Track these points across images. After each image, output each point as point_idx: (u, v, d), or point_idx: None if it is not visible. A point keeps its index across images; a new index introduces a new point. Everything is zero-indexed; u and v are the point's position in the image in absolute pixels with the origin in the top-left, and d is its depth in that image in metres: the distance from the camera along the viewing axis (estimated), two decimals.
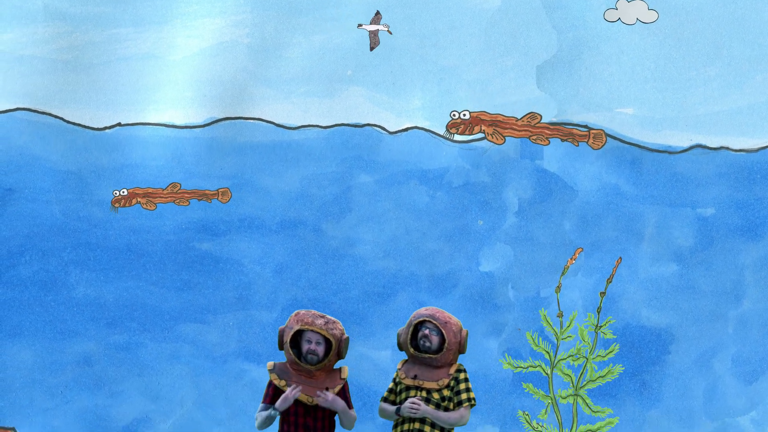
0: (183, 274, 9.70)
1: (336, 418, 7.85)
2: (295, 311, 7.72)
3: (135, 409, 9.69)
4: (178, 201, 9.67)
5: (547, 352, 9.62)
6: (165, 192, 9.64)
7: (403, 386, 7.88)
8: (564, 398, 9.63)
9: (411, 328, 7.86)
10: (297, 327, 7.62)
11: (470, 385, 7.83)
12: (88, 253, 9.71)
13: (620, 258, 9.59)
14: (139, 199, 9.63)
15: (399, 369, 7.95)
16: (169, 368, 9.70)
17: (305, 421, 7.63)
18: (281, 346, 7.73)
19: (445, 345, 7.78)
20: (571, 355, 9.61)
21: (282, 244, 9.68)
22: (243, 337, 9.67)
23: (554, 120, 9.65)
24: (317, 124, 9.72)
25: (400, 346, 8.00)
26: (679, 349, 9.58)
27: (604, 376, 9.60)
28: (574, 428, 9.61)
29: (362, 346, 9.62)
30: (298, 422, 7.61)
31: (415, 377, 7.86)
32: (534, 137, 9.65)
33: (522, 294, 9.59)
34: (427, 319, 7.85)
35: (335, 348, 7.69)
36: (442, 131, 9.66)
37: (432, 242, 9.66)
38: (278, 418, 7.66)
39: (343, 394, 7.84)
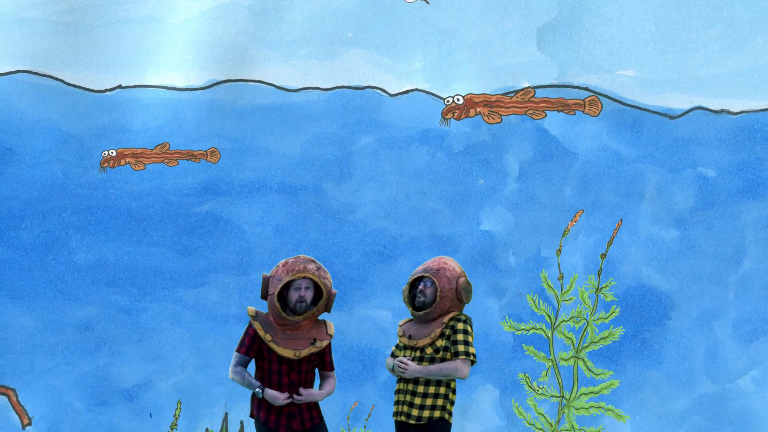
0: (184, 236, 9.70)
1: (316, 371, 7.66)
2: (282, 261, 7.51)
3: (136, 371, 9.69)
4: (166, 161, 9.65)
5: (548, 315, 9.62)
6: (153, 152, 9.62)
7: (400, 345, 7.82)
8: (565, 360, 9.63)
9: (409, 287, 7.80)
10: (288, 278, 7.37)
11: (470, 339, 7.64)
12: (89, 216, 9.71)
13: (621, 220, 9.59)
14: (128, 160, 9.62)
15: (400, 326, 7.90)
16: (169, 330, 9.70)
17: (290, 379, 7.43)
18: (265, 296, 7.50)
19: (438, 293, 7.66)
20: (572, 318, 9.61)
21: (282, 206, 9.68)
22: (243, 299, 9.67)
23: (554, 82, 9.65)
24: (318, 86, 9.72)
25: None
26: (680, 311, 9.58)
27: (605, 338, 9.60)
28: (574, 390, 9.61)
29: (363, 307, 9.62)
30: (282, 381, 7.42)
31: (410, 337, 7.78)
32: (530, 112, 9.64)
33: (523, 256, 9.59)
34: (421, 275, 7.77)
35: (325, 298, 7.47)
36: (442, 93, 9.65)
37: (433, 204, 9.66)
38: (262, 376, 7.43)
39: (329, 352, 7.66)
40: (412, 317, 7.84)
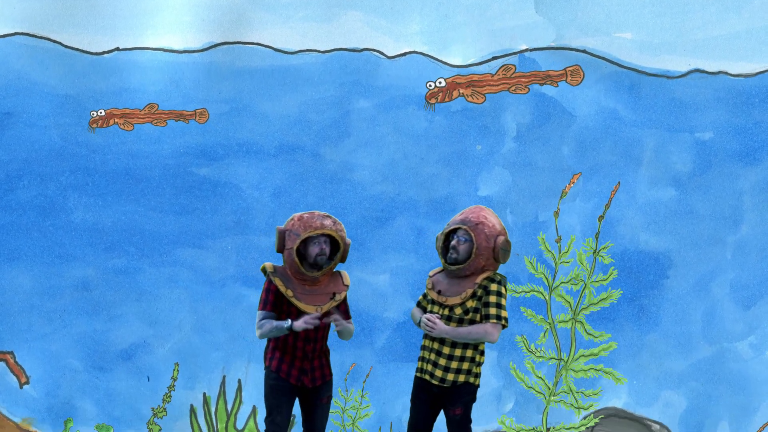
0: (181, 198, 9.69)
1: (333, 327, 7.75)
2: (297, 215, 7.54)
3: (133, 334, 9.69)
4: (155, 121, 9.64)
5: (546, 277, 9.61)
6: (142, 113, 9.61)
7: (429, 298, 7.61)
8: (562, 323, 9.62)
9: (443, 237, 7.53)
10: (306, 234, 7.42)
11: (503, 302, 7.40)
12: (86, 178, 9.70)
13: (618, 183, 9.58)
14: (116, 120, 9.61)
15: (430, 277, 7.67)
16: (167, 293, 9.69)
17: (307, 333, 7.49)
18: (280, 249, 7.54)
19: (474, 249, 7.41)
20: (570, 280, 9.61)
21: (280, 169, 9.67)
22: (241, 261, 9.66)
23: (552, 44, 9.64)
24: (315, 48, 9.71)
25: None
26: (678, 274, 9.57)
27: (603, 300, 9.59)
28: (572, 353, 9.61)
29: (360, 270, 9.61)
30: (298, 334, 7.46)
31: (439, 292, 7.53)
32: (512, 88, 9.61)
33: (520, 219, 9.58)
34: (458, 226, 7.49)
35: (342, 251, 7.56)
36: (440, 56, 9.64)
37: (430, 167, 9.65)
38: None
39: (345, 302, 7.76)
40: (443, 267, 7.59)
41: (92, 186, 9.70)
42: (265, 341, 7.72)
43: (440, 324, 7.39)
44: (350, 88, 9.66)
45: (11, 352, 9.66)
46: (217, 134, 9.69)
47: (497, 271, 7.50)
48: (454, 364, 7.42)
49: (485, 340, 7.38)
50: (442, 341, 7.43)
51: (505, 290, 7.45)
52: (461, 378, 7.44)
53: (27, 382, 9.66)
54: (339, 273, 7.73)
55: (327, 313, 7.55)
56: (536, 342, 9.63)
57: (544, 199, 9.61)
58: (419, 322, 7.53)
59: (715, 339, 9.57)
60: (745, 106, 9.54)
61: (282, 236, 7.50)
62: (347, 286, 7.68)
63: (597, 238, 9.59)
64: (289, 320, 7.40)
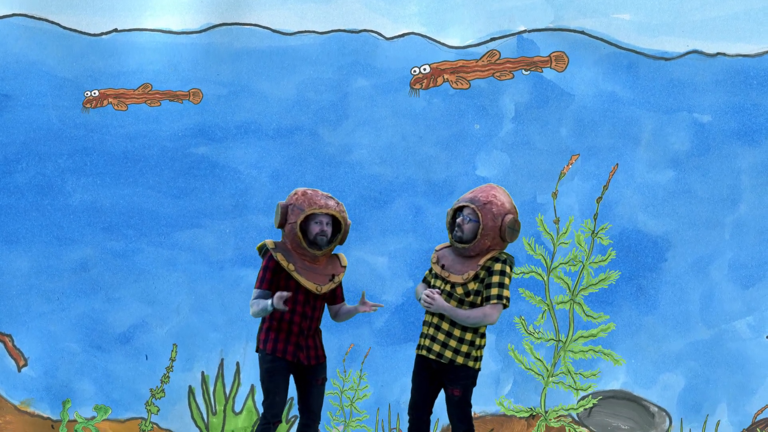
0: (180, 180, 9.69)
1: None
2: (300, 190, 7.53)
3: (131, 315, 9.70)
4: (149, 102, 9.63)
5: (544, 258, 9.61)
6: (136, 93, 9.61)
7: (433, 272, 7.55)
8: (560, 304, 9.63)
9: (452, 212, 7.46)
10: (309, 210, 7.41)
11: (506, 281, 7.28)
12: (84, 159, 9.70)
13: (617, 164, 9.58)
14: (110, 100, 9.60)
15: (436, 251, 7.61)
16: (165, 274, 9.69)
17: (304, 310, 7.50)
18: (281, 225, 7.53)
19: (480, 230, 7.31)
20: (568, 261, 9.61)
21: (278, 150, 9.67)
22: (239, 242, 9.66)
23: (550, 26, 9.63)
24: (314, 30, 9.71)
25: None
26: (676, 255, 9.57)
27: (601, 281, 9.60)
28: (570, 334, 9.61)
29: (359, 251, 9.61)
30: (296, 310, 7.47)
31: (443, 266, 7.46)
32: (498, 74, 9.61)
33: (518, 200, 9.55)
34: (466, 204, 7.42)
35: (343, 232, 7.57)
36: (438, 37, 9.64)
37: (428, 148, 9.65)
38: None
39: (340, 284, 7.77)
40: (450, 243, 7.51)
41: (90, 167, 9.70)
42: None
43: (439, 299, 7.34)
44: (348, 70, 9.66)
45: (9, 335, 9.66)
46: (215, 115, 9.68)
47: (504, 251, 7.42)
48: (452, 343, 7.36)
49: (484, 323, 7.30)
50: (441, 317, 7.38)
51: (510, 270, 7.36)
52: (459, 359, 7.38)
53: (25, 365, 9.66)
54: (337, 255, 7.74)
55: (333, 297, 7.62)
56: (534, 323, 9.63)
57: (543, 180, 9.61)
58: (420, 297, 7.50)
59: (713, 320, 9.57)
60: (744, 86, 9.54)
61: (285, 211, 7.48)
62: (345, 267, 7.71)
63: (595, 219, 9.59)
64: (269, 300, 7.37)
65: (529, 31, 9.59)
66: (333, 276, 7.59)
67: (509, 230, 7.33)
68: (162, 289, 9.69)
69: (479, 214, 7.29)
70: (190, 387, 9.66)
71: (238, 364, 9.62)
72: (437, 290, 7.38)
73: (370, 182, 9.66)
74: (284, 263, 7.43)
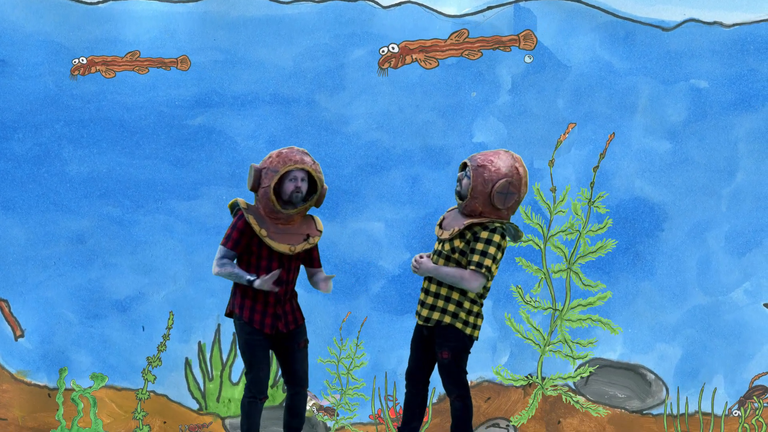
0: (176, 148, 9.69)
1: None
2: (275, 152, 7.41)
3: (128, 283, 9.69)
4: (137, 69, 9.62)
5: (540, 227, 9.61)
6: (124, 60, 9.59)
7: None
8: (557, 273, 9.62)
9: (459, 169, 7.45)
10: (285, 168, 7.27)
11: (491, 251, 7.15)
12: (81, 128, 9.70)
13: (613, 133, 9.58)
14: (98, 67, 9.59)
15: (446, 211, 7.59)
16: (162, 242, 9.69)
17: (278, 276, 7.38)
18: (255, 188, 7.36)
19: (469, 191, 7.25)
20: (564, 230, 9.61)
21: (275, 119, 9.66)
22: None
23: None
24: None
25: None
26: (672, 223, 9.57)
27: (597, 250, 9.59)
28: (567, 302, 9.61)
29: (356, 219, 9.61)
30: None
31: (440, 225, 7.46)
32: (466, 53, 9.60)
33: None
34: (466, 161, 7.40)
35: (318, 193, 7.44)
36: (435, 6, 9.62)
37: (425, 116, 9.65)
38: (247, 271, 7.34)
39: (317, 248, 7.63)
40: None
41: (87, 136, 9.69)
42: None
43: (425, 262, 7.30)
44: (345, 39, 9.65)
45: (6, 301, 9.66)
46: (211, 84, 9.68)
47: (499, 220, 7.30)
48: (439, 303, 7.31)
49: (461, 286, 7.21)
50: (430, 279, 7.36)
51: (502, 240, 7.24)
52: (446, 319, 7.30)
53: (22, 335, 9.66)
54: (312, 217, 7.60)
55: (291, 266, 7.47)
56: (531, 292, 9.63)
57: (539, 148, 9.61)
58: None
59: (710, 288, 9.57)
60: (740, 55, 9.54)
61: (258, 174, 7.33)
62: (320, 231, 7.57)
63: (592, 188, 9.59)
64: (254, 276, 7.29)
65: (526, 0, 9.58)
66: (308, 236, 7.45)
67: (499, 195, 7.21)
68: (159, 257, 9.69)
69: (472, 174, 7.26)
70: (186, 359, 9.65)
71: (234, 335, 9.60)
72: (426, 255, 7.37)
73: (366, 151, 9.66)
74: (256, 228, 7.29)
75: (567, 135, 9.58)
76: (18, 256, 9.68)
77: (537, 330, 9.60)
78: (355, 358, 9.61)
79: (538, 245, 9.61)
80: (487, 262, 7.15)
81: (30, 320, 9.66)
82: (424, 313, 7.39)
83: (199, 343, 9.66)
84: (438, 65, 9.58)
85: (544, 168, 9.60)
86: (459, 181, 7.38)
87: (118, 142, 9.68)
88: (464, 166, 7.42)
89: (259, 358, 7.45)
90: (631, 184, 9.59)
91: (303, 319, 7.65)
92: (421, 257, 7.39)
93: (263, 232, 7.30)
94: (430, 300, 7.36)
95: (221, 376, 9.64)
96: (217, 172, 9.67)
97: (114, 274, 9.68)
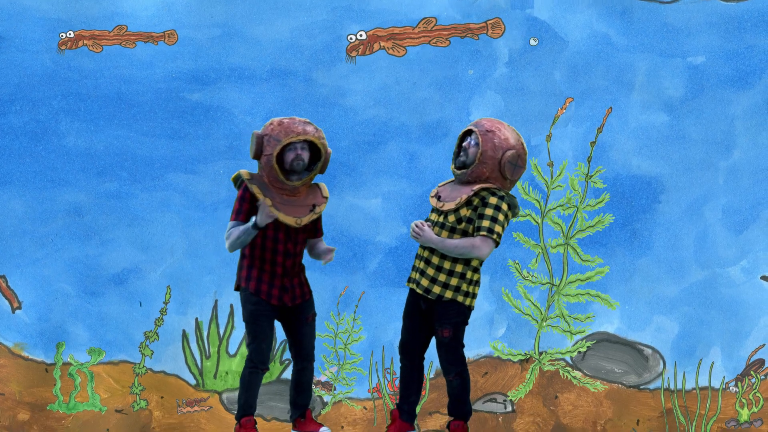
0: (173, 123, 9.68)
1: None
2: (276, 120, 7.28)
3: (125, 258, 9.69)
4: (123, 43, 9.61)
5: (538, 201, 9.61)
6: (111, 34, 9.59)
7: (431, 208, 7.38)
8: (554, 247, 9.62)
9: (458, 141, 7.29)
10: (287, 139, 7.13)
11: (500, 218, 7.04)
12: (78, 103, 9.69)
13: (610, 107, 9.58)
14: (85, 42, 9.58)
15: (438, 187, 7.44)
16: (159, 217, 9.69)
17: (286, 248, 7.30)
18: (257, 155, 7.24)
19: (478, 155, 7.13)
20: (562, 205, 9.61)
21: (272, 93, 9.66)
22: (233, 186, 9.62)
23: None
24: None
25: None
26: (670, 199, 9.57)
27: (595, 225, 9.60)
28: (564, 277, 9.61)
29: (352, 195, 9.61)
30: (278, 249, 7.27)
31: (438, 198, 7.28)
32: (433, 41, 9.61)
33: None
34: (471, 128, 7.23)
35: (323, 160, 7.30)
36: None
37: (422, 91, 9.65)
38: (254, 243, 7.23)
39: (320, 218, 7.51)
40: (453, 178, 7.35)
41: (84, 111, 9.69)
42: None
43: (427, 231, 7.13)
44: (342, 13, 9.65)
45: (3, 276, 9.66)
46: (209, 59, 9.67)
47: (503, 189, 7.22)
48: (442, 277, 7.18)
49: (472, 255, 7.08)
50: (432, 251, 7.18)
51: (509, 210, 7.15)
52: (448, 294, 7.19)
53: (19, 308, 9.66)
54: (317, 185, 7.48)
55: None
56: (528, 267, 9.63)
57: (536, 123, 9.60)
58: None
59: (707, 263, 9.57)
60: (738, 30, 9.54)
61: (260, 142, 7.19)
62: (326, 198, 7.44)
63: (589, 163, 9.59)
64: (252, 218, 7.13)
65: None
66: (314, 206, 7.33)
67: (509, 165, 7.12)
68: (156, 232, 9.69)
69: (480, 139, 7.12)
70: (183, 332, 9.66)
71: (231, 306, 9.61)
72: (428, 222, 7.25)
73: (363, 126, 9.66)
74: (260, 197, 7.15)
75: (564, 110, 9.58)
76: (15, 231, 9.68)
77: (534, 305, 9.60)
78: (353, 332, 9.61)
79: (535, 220, 9.61)
80: (497, 228, 7.04)
81: (27, 295, 9.66)
82: (425, 283, 7.22)
83: (197, 320, 9.66)
84: (406, 53, 9.58)
85: (542, 143, 9.60)
86: (464, 149, 7.20)
87: (116, 116, 9.68)
88: (467, 133, 7.28)
89: (264, 329, 7.34)
90: (628, 159, 9.59)
91: (311, 293, 7.52)
92: (422, 224, 7.19)
93: (268, 201, 7.15)
94: (431, 272, 7.21)
95: (218, 353, 9.64)
96: (214, 147, 9.67)
97: (111, 248, 9.68)
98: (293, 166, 7.22)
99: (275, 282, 7.34)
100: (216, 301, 9.64)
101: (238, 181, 7.41)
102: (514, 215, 7.32)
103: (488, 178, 7.17)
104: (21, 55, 9.67)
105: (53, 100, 9.68)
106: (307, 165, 7.33)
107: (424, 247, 7.27)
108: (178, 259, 9.66)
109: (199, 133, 9.67)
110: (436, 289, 7.21)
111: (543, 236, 9.62)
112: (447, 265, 7.18)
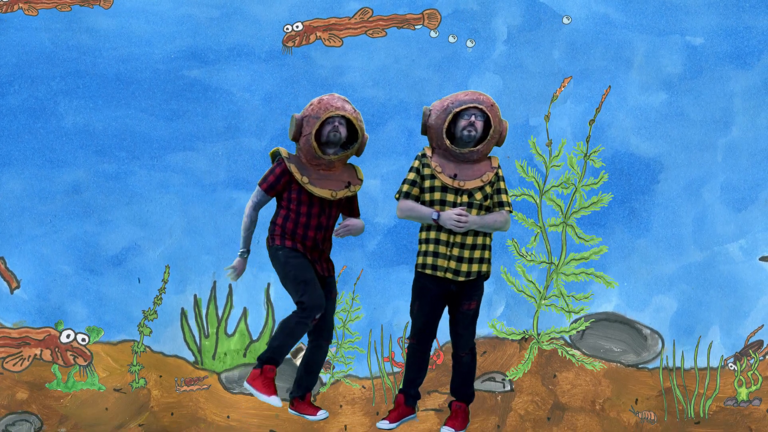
0: (172, 102, 9.68)
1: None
2: (316, 99, 7.31)
3: (124, 238, 9.68)
4: (59, 6, 9.55)
5: (536, 181, 9.61)
6: None
7: (435, 184, 7.16)
8: (553, 227, 9.62)
9: (450, 117, 7.10)
10: (326, 114, 7.21)
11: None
12: (77, 82, 9.69)
13: (609, 86, 9.58)
14: (20, 5, 9.54)
15: (428, 157, 7.18)
16: (158, 197, 9.69)
17: (319, 221, 7.34)
18: (296, 137, 7.30)
19: (490, 132, 7.06)
20: (560, 184, 9.61)
21: (271, 72, 9.66)
22: (232, 165, 9.66)
23: None
24: None
25: (427, 131, 7.15)
26: (668, 178, 9.57)
27: (593, 204, 9.60)
28: (563, 256, 9.61)
29: None
30: (311, 223, 7.31)
31: (455, 177, 7.15)
32: (370, 32, 9.61)
33: (511, 122, 9.56)
34: (471, 105, 7.11)
35: (360, 141, 7.35)
36: None
37: (421, 70, 9.64)
38: (288, 216, 7.27)
39: (356, 198, 7.57)
40: (434, 149, 7.18)
41: (83, 90, 9.69)
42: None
43: (471, 217, 7.03)
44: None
45: (2, 258, 9.65)
46: (207, 38, 9.67)
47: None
48: (477, 254, 7.15)
49: (504, 229, 7.21)
50: (466, 233, 7.11)
51: None
52: (485, 267, 7.21)
53: (17, 287, 9.65)
54: (354, 166, 7.53)
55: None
56: (527, 246, 9.63)
57: (535, 102, 9.60)
58: (435, 216, 7.05)
59: (705, 243, 9.57)
60: (736, 9, 9.54)
61: (299, 124, 7.26)
62: (361, 180, 7.49)
63: (588, 142, 9.59)
64: (246, 249, 7.43)
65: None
66: (348, 183, 7.39)
67: (504, 137, 7.25)
68: (154, 211, 9.68)
69: (489, 115, 7.07)
70: (182, 310, 9.65)
71: (230, 286, 9.61)
72: (462, 207, 7.09)
73: (362, 105, 9.64)
74: (297, 176, 7.23)
75: (563, 89, 9.58)
76: (14, 210, 9.68)
77: (533, 284, 9.60)
78: (351, 311, 9.61)
79: (534, 199, 9.61)
80: (510, 200, 7.25)
81: (26, 274, 9.66)
82: (464, 268, 7.12)
83: (195, 296, 9.66)
84: (342, 44, 9.58)
85: (540, 122, 9.60)
86: (472, 125, 7.09)
87: (114, 95, 9.68)
88: (462, 112, 7.15)
89: (311, 274, 7.23)
90: (627, 138, 9.59)
91: (334, 271, 7.58)
92: (464, 213, 7.06)
93: (305, 179, 7.24)
94: (467, 254, 7.12)
95: (217, 333, 9.64)
96: (212, 126, 9.67)
97: (110, 227, 9.68)
98: (330, 137, 7.28)
99: (305, 253, 7.35)
100: (215, 282, 9.64)
101: (276, 157, 7.45)
102: None
103: (486, 153, 7.23)
104: (20, 34, 9.66)
105: (52, 79, 9.68)
106: (344, 142, 7.38)
107: (453, 233, 7.14)
108: (177, 239, 9.66)
109: (198, 112, 9.67)
110: (475, 267, 7.18)
111: (542, 215, 9.62)
112: (480, 241, 7.17)
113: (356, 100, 9.59)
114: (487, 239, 7.20)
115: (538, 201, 9.61)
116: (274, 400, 7.15)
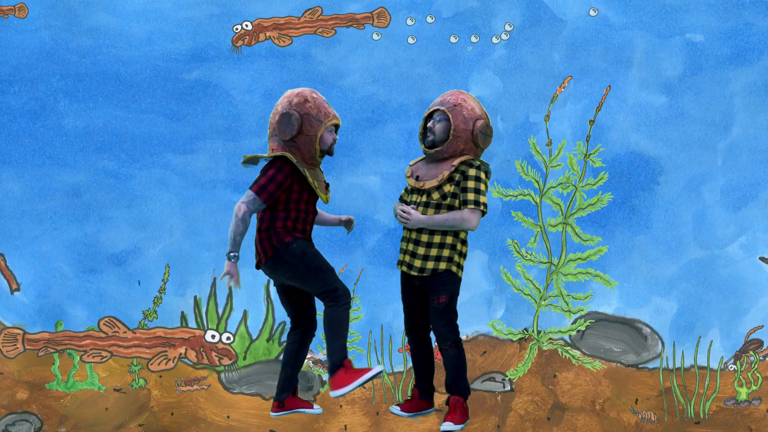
0: (172, 102, 9.68)
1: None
2: (308, 96, 7.28)
3: (123, 237, 9.69)
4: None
5: (536, 181, 9.61)
6: None
7: (408, 187, 7.49)
8: (553, 227, 9.62)
9: (423, 122, 7.39)
10: (329, 121, 7.27)
11: (482, 187, 7.25)
12: (77, 82, 9.69)
13: (609, 86, 9.57)
14: None
15: (410, 165, 7.53)
16: (157, 196, 9.69)
17: (312, 216, 7.42)
18: (295, 136, 7.25)
19: (451, 131, 7.23)
20: (560, 184, 9.61)
21: (271, 72, 9.66)
22: (231, 165, 9.66)
23: None
24: None
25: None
26: (668, 177, 9.57)
27: (593, 204, 9.59)
28: (563, 256, 9.61)
29: (351, 174, 9.61)
30: (308, 219, 7.36)
31: (417, 178, 7.38)
32: (319, 30, 9.61)
33: (511, 122, 9.57)
34: (436, 108, 7.35)
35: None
36: None
37: (421, 69, 9.64)
38: (288, 216, 7.27)
39: None
40: (424, 156, 7.45)
41: (83, 90, 9.69)
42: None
43: (415, 214, 7.26)
44: None
45: (2, 255, 9.66)
46: (207, 38, 9.67)
47: (478, 158, 7.37)
48: (433, 252, 7.28)
49: (463, 227, 7.23)
50: (420, 230, 7.30)
51: (486, 177, 7.32)
52: (442, 265, 7.29)
53: (18, 289, 9.66)
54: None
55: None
56: (527, 246, 9.63)
57: (535, 102, 9.60)
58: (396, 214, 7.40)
59: (706, 242, 9.57)
60: (736, 8, 9.53)
61: (299, 122, 7.22)
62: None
63: (588, 142, 9.59)
64: (237, 253, 7.25)
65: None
66: (327, 185, 7.54)
67: (481, 135, 7.28)
68: (154, 211, 9.69)
69: (450, 115, 7.24)
70: (182, 313, 9.65)
71: (230, 288, 9.61)
72: (412, 205, 7.33)
73: (362, 104, 9.66)
74: (310, 180, 7.24)
75: (563, 88, 9.58)
76: (14, 210, 9.68)
77: (533, 284, 9.60)
78: (351, 310, 9.60)
79: (534, 199, 9.61)
80: (483, 198, 7.22)
81: (26, 274, 9.66)
82: (418, 263, 7.33)
83: (195, 297, 9.66)
84: (291, 42, 9.59)
85: (540, 122, 9.60)
86: (430, 129, 7.30)
87: (114, 96, 9.68)
88: (430, 114, 7.36)
89: (326, 260, 7.28)
90: (626, 138, 9.58)
91: None
92: (408, 209, 7.30)
93: (315, 183, 7.31)
94: (422, 251, 7.32)
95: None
96: (213, 126, 9.67)
97: (110, 227, 9.68)
98: (331, 149, 7.40)
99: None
100: (214, 279, 9.64)
101: (284, 161, 7.32)
102: (488, 180, 7.44)
103: (463, 150, 7.29)
104: (20, 34, 9.67)
105: (52, 79, 9.68)
106: None
107: (410, 228, 7.36)
108: (177, 238, 9.66)
109: (198, 112, 9.67)
110: (430, 265, 7.31)
111: (542, 215, 9.62)
112: (437, 239, 7.30)
113: (356, 99, 9.61)
114: (447, 238, 7.29)
115: (538, 201, 9.61)
116: (376, 369, 7.12)
